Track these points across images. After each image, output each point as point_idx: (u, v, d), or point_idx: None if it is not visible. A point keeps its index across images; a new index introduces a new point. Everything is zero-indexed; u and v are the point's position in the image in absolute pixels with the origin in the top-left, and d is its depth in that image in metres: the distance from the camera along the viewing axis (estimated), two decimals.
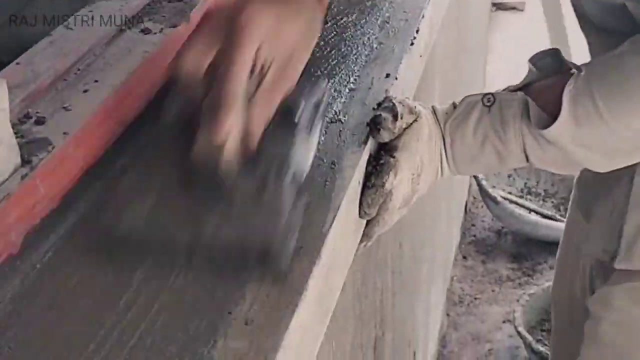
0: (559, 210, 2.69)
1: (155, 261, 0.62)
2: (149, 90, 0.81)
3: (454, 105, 0.80)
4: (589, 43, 1.01)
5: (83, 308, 0.58)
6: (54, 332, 0.56)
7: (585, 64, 0.80)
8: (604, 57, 0.81)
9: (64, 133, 0.69)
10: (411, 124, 0.75)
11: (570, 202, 1.17)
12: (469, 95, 0.80)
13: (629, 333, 1.04)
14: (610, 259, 1.01)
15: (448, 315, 2.38)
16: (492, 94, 0.79)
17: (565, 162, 0.80)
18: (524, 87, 0.82)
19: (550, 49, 0.86)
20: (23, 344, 0.55)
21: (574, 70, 0.79)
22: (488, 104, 0.78)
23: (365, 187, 0.73)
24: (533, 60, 0.85)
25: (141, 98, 0.79)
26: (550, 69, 0.83)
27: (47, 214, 0.65)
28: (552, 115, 0.77)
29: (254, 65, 0.65)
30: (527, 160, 0.79)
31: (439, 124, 0.79)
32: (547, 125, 0.76)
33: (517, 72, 0.85)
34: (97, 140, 0.72)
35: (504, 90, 0.82)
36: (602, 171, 0.82)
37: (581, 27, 0.99)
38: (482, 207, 2.74)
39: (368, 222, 0.75)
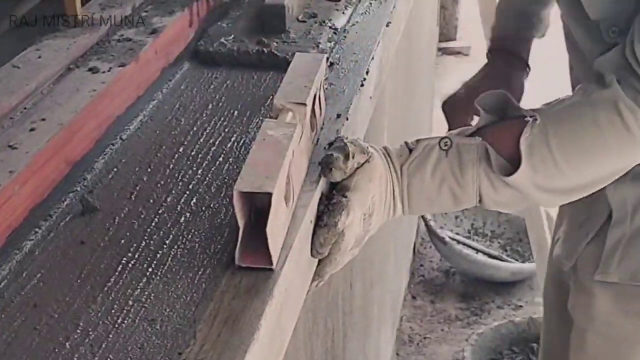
0: (506, 250, 2.72)
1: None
2: (97, 129, 0.80)
3: (407, 147, 0.80)
4: (571, 60, 1.07)
5: None
6: None
7: (539, 112, 0.82)
8: (557, 105, 0.84)
9: (10, 171, 0.67)
10: (363, 164, 0.75)
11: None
12: (423, 139, 0.81)
13: (614, 344, 1.08)
14: (571, 268, 1.06)
15: (398, 354, 2.37)
16: (448, 137, 0.81)
17: (518, 203, 0.83)
18: (477, 130, 0.83)
19: (497, 91, 0.87)
20: None
21: (528, 118, 0.81)
22: (445, 147, 0.80)
23: (317, 226, 0.72)
24: (481, 102, 0.86)
25: (89, 137, 0.78)
26: (499, 112, 0.85)
27: None
28: (508, 160, 0.80)
29: None
30: (480, 201, 0.81)
31: (392, 165, 0.79)
32: (506, 170, 0.79)
33: None
34: (44, 179, 0.71)
35: (457, 134, 0.83)
36: (553, 207, 0.86)
37: (567, 47, 1.05)
38: (430, 247, 2.76)
39: (320, 262, 0.74)
